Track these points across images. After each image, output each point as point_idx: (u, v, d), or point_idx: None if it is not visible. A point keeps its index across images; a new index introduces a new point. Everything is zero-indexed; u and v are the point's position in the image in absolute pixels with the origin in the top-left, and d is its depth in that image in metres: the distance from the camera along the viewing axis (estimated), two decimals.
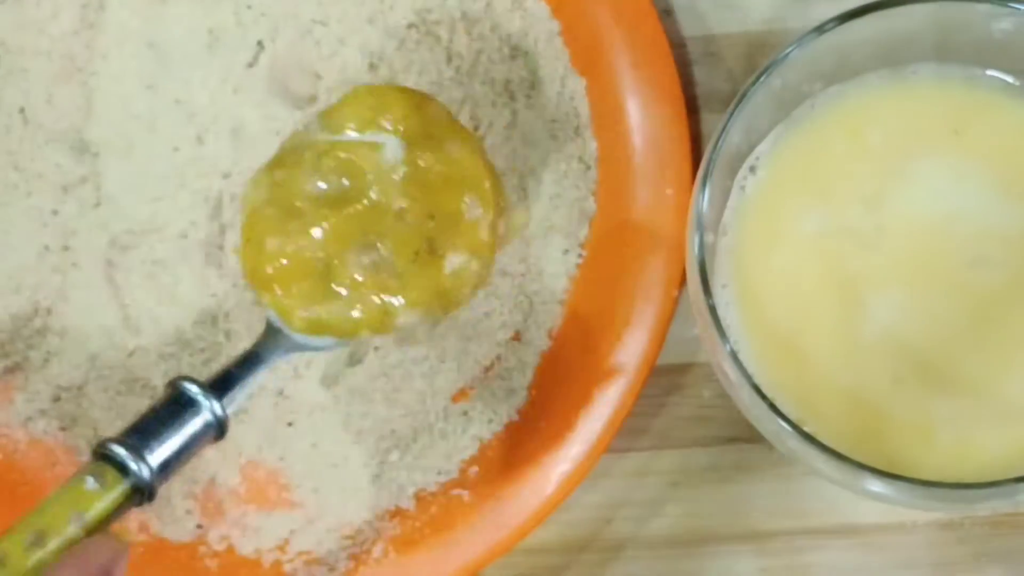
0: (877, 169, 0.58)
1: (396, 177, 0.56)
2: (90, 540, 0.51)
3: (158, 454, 0.53)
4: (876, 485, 0.53)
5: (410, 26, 0.66)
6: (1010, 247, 0.57)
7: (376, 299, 0.55)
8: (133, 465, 0.52)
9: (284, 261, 0.56)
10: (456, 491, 0.64)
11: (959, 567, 0.65)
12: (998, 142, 0.58)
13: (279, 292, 0.56)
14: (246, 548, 0.65)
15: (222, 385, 0.55)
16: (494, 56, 0.66)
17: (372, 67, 0.66)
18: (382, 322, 0.56)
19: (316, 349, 0.57)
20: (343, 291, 0.55)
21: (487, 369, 0.65)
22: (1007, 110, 0.59)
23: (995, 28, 0.57)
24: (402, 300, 0.55)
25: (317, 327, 0.56)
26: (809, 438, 0.53)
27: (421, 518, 0.64)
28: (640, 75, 0.65)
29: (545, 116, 0.66)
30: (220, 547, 0.65)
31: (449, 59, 0.66)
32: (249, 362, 0.56)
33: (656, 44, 0.65)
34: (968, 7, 0.56)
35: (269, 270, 0.56)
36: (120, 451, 0.52)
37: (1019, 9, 0.56)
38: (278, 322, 0.56)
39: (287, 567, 0.64)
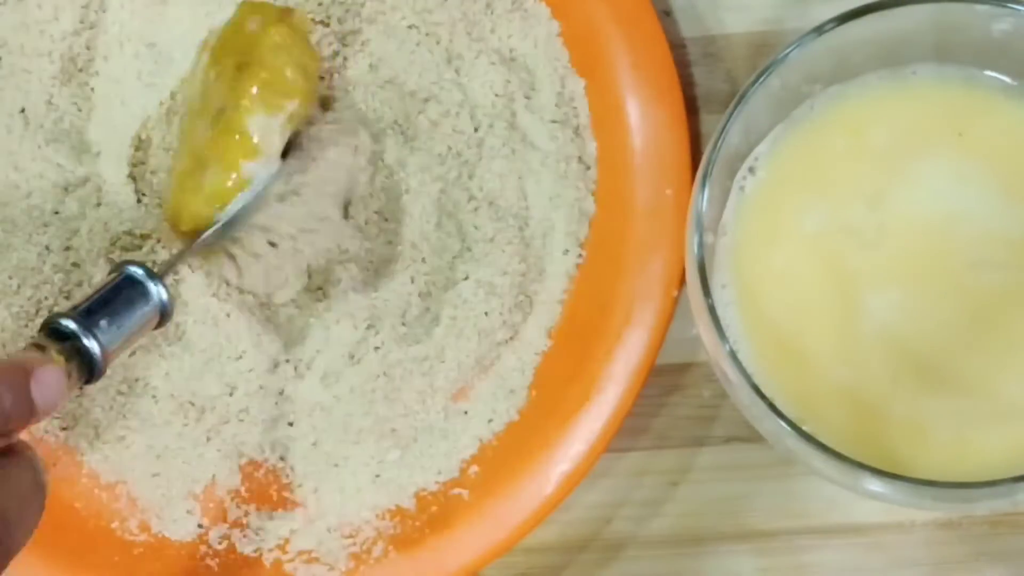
0: (877, 169, 0.58)
1: (210, 66, 0.63)
2: None
3: (105, 332, 0.54)
4: (875, 484, 0.53)
5: (410, 27, 0.66)
6: (1011, 250, 0.57)
7: (235, 137, 0.61)
8: (84, 340, 0.54)
9: (189, 186, 0.62)
10: (456, 491, 0.64)
11: (958, 567, 0.65)
12: (997, 143, 0.58)
13: (194, 210, 0.61)
14: (246, 548, 0.65)
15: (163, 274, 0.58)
16: (494, 57, 0.66)
17: (372, 68, 0.66)
18: (254, 149, 0.61)
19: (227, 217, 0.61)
20: (218, 159, 0.61)
21: (487, 369, 0.65)
22: (1006, 111, 0.59)
23: (994, 29, 0.57)
24: (251, 114, 0.61)
25: (222, 199, 0.61)
26: (808, 437, 0.53)
27: (421, 518, 0.64)
28: (640, 75, 0.65)
29: (545, 117, 0.66)
30: (221, 547, 0.65)
31: (449, 60, 0.66)
32: (185, 253, 0.60)
33: (656, 45, 0.65)
34: (967, 8, 0.56)
35: (193, 206, 0.61)
36: (70, 325, 0.53)
37: (1018, 10, 0.56)
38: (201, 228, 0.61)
39: (287, 567, 0.64)
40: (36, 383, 0.49)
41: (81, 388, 0.55)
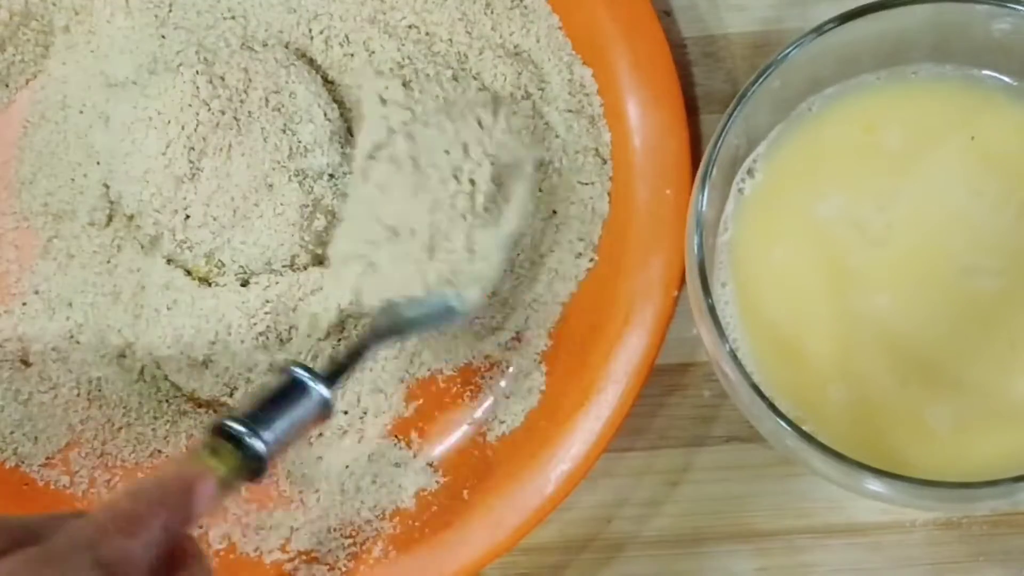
0: (876, 170, 0.58)
1: None
2: None
3: (271, 432, 0.56)
4: (875, 484, 0.53)
5: (411, 27, 0.66)
6: (1005, 257, 0.57)
7: None
8: (248, 440, 0.55)
9: None
10: (456, 491, 0.64)
11: (958, 567, 0.65)
12: (997, 144, 0.58)
13: None
14: (247, 547, 0.65)
15: (334, 373, 0.59)
16: (499, 52, 0.66)
17: (373, 68, 0.66)
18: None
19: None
20: None
21: (488, 369, 0.65)
22: (1007, 111, 0.59)
23: (994, 28, 0.57)
24: None
25: None
26: (808, 437, 0.53)
27: (421, 518, 0.64)
28: (640, 76, 0.65)
29: (560, 107, 0.66)
30: (221, 546, 0.65)
31: (450, 59, 0.66)
32: (358, 352, 0.61)
33: (656, 45, 0.65)
34: (967, 8, 0.56)
35: None
36: (237, 427, 0.55)
37: (1018, 10, 0.56)
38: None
39: (287, 566, 0.64)
40: (196, 497, 0.52)
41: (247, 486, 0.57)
